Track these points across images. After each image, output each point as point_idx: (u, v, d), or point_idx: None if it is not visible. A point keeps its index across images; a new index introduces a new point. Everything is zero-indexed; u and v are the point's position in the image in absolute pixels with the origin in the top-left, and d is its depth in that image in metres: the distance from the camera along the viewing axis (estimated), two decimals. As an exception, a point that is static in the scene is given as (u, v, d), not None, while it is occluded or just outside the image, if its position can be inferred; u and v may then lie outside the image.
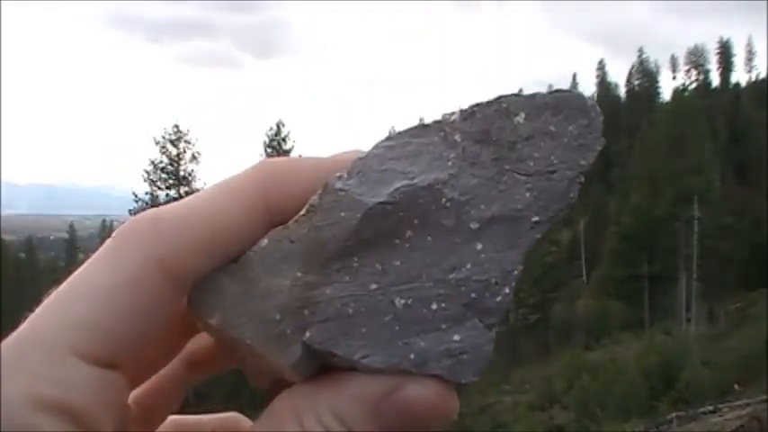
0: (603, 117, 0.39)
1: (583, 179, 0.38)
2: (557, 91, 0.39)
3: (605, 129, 0.39)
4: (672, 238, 35.19)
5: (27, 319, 0.33)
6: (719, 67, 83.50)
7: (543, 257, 38.09)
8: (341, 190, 0.37)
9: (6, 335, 0.32)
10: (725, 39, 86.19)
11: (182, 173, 33.19)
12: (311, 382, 0.36)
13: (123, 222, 0.36)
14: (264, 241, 0.37)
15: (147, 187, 33.20)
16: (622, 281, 37.28)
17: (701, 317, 32.89)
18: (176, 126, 33.73)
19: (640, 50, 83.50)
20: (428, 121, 0.40)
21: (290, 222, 0.37)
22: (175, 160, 33.23)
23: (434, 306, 0.36)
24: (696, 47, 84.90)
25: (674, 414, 15.77)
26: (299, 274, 0.36)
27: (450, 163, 0.38)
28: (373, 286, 0.36)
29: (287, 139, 35.75)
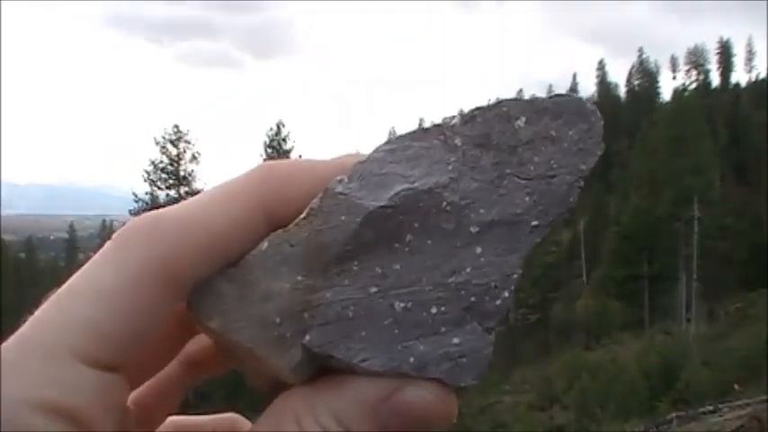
0: (603, 119, 0.39)
1: (582, 184, 0.38)
2: (557, 95, 0.39)
3: (605, 129, 0.39)
4: (672, 238, 35.19)
5: (27, 321, 0.33)
6: (719, 67, 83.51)
7: (543, 257, 38.07)
8: (341, 194, 0.37)
9: (6, 335, 0.33)
10: (725, 39, 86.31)
11: (182, 173, 33.15)
12: (310, 384, 0.36)
13: (123, 222, 0.36)
14: (264, 244, 0.36)
15: (147, 187, 33.21)
16: (622, 281, 37.28)
17: (701, 317, 32.90)
18: (176, 126, 33.72)
19: (640, 50, 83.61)
20: (428, 124, 0.40)
21: (291, 226, 0.37)
22: (175, 160, 33.18)
23: (434, 310, 0.36)
24: (696, 47, 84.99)
25: (674, 414, 15.78)
26: (299, 278, 0.36)
27: (450, 167, 0.38)
28: (373, 290, 0.36)
29: (287, 140, 35.74)
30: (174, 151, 33.24)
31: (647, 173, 38.89)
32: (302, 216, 0.37)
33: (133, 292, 0.33)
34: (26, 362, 0.31)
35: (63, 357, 0.32)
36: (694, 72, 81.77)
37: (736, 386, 18.25)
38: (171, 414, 0.44)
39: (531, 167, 0.38)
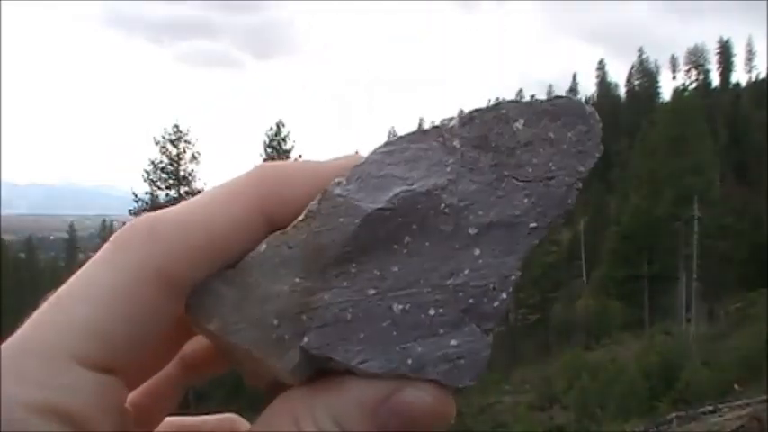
0: (603, 119, 0.39)
1: (581, 186, 0.38)
2: (556, 97, 0.39)
3: (605, 129, 0.39)
4: (672, 238, 35.18)
5: (26, 323, 0.33)
6: (719, 67, 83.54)
7: (543, 257, 38.06)
8: (340, 196, 0.37)
9: (6, 335, 0.33)
10: (725, 39, 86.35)
11: (182, 173, 33.06)
12: (309, 385, 0.36)
13: (123, 222, 0.36)
14: (263, 246, 0.36)
15: (147, 187, 33.08)
16: (622, 281, 37.26)
17: (701, 317, 32.88)
18: (176, 126, 33.59)
19: (640, 50, 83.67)
20: (427, 125, 0.40)
21: (289, 228, 0.37)
22: (175, 160, 33.10)
23: (432, 311, 0.36)
24: (696, 47, 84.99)
25: (674, 414, 15.77)
26: (297, 280, 0.36)
27: (448, 169, 0.38)
28: (371, 292, 0.36)
29: (287, 140, 35.65)
30: (174, 151, 33.17)
31: (647, 173, 38.87)
32: (300, 218, 0.37)
33: (132, 293, 0.33)
34: (25, 363, 0.31)
35: (62, 359, 0.32)
36: (694, 72, 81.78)
37: (736, 386, 18.24)
38: (169, 414, 0.44)
39: (530, 169, 0.38)
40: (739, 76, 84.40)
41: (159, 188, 32.87)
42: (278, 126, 35.68)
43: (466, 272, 0.36)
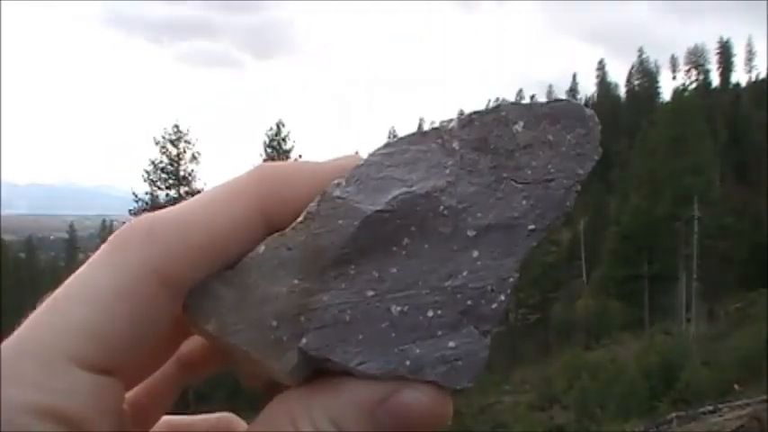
0: (603, 119, 0.39)
1: (579, 188, 0.38)
2: (555, 100, 0.39)
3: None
4: (672, 238, 35.17)
5: (23, 325, 0.33)
6: (719, 67, 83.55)
7: (543, 257, 38.06)
8: (339, 198, 0.37)
9: (6, 335, 0.33)
10: (725, 39, 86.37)
11: (182, 173, 33.06)
12: (306, 386, 0.36)
13: (123, 223, 0.36)
14: (261, 248, 0.37)
15: (147, 187, 33.07)
16: (622, 281, 37.27)
17: (701, 317, 32.87)
18: (176, 126, 33.60)
19: (640, 50, 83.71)
20: (427, 126, 0.40)
21: (288, 229, 0.37)
22: (175, 160, 33.10)
23: (430, 313, 0.36)
24: (696, 47, 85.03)
25: (674, 414, 15.77)
26: (295, 281, 0.36)
27: (447, 170, 0.38)
28: (370, 293, 0.36)
29: (287, 140, 35.67)
30: (174, 151, 33.16)
31: (647, 173, 38.85)
32: (299, 220, 0.37)
33: (131, 294, 0.33)
34: (23, 365, 0.31)
35: (59, 361, 0.32)
36: (694, 72, 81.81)
37: (736, 386, 18.24)
38: (166, 414, 0.44)
39: (529, 172, 0.38)
40: (739, 76, 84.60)
41: (159, 188, 32.91)
42: (278, 126, 35.71)
43: (464, 274, 0.36)
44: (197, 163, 33.50)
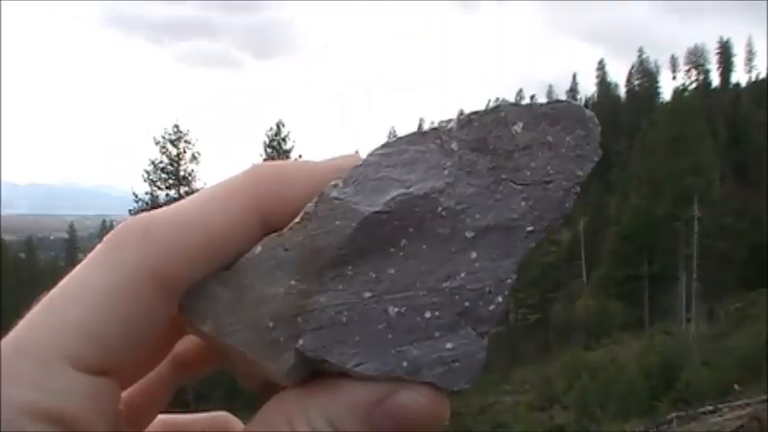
0: (603, 119, 0.40)
1: (579, 190, 0.38)
2: (555, 101, 0.39)
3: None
4: (672, 238, 35.16)
5: (19, 324, 0.33)
6: (719, 67, 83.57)
7: (543, 257, 38.04)
8: (337, 198, 0.37)
9: (6, 335, 0.33)
10: (725, 39, 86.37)
11: (182, 173, 33.06)
12: (303, 386, 0.36)
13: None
14: (258, 248, 0.36)
15: (147, 187, 33.08)
16: (622, 281, 37.26)
17: (701, 317, 32.86)
18: (176, 126, 33.59)
19: (640, 50, 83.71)
20: (426, 126, 0.40)
21: (285, 230, 0.37)
22: (175, 160, 33.10)
23: (428, 314, 0.36)
24: (696, 47, 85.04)
25: (674, 414, 15.76)
26: (292, 282, 0.36)
27: (446, 171, 0.38)
28: (367, 294, 0.36)
29: (287, 140, 35.67)
30: (174, 151, 33.17)
31: (647, 173, 38.84)
32: (297, 220, 0.37)
33: (127, 294, 0.33)
34: (19, 366, 0.31)
35: (56, 362, 0.31)
36: (694, 72, 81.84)
37: (736, 386, 18.23)
38: (161, 413, 0.44)
39: (528, 173, 0.38)
40: (739, 76, 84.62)
41: (159, 188, 32.91)
42: (278, 126, 35.70)
43: (462, 275, 0.36)
44: (197, 163, 33.55)
